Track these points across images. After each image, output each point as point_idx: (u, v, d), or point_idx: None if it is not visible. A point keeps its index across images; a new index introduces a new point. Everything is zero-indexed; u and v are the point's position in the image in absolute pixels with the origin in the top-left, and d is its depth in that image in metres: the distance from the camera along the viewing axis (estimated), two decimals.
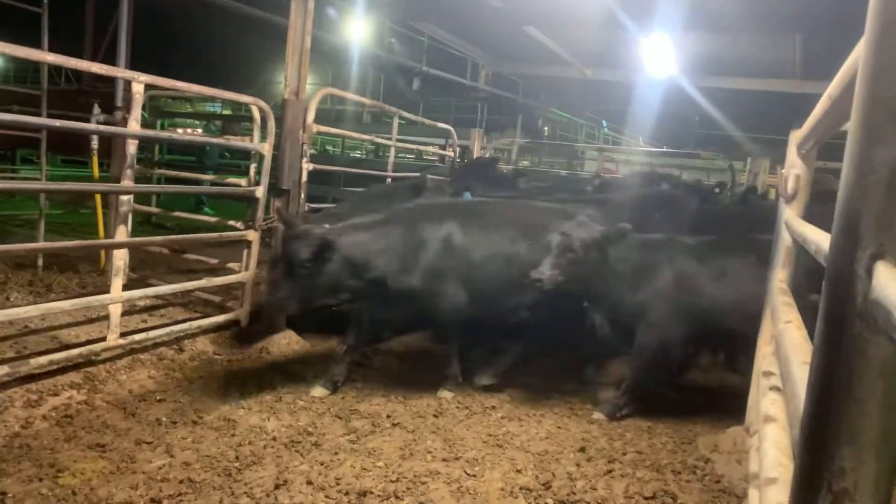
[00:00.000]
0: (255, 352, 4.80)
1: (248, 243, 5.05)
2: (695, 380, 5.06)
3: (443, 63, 15.03)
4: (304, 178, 5.36)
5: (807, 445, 1.04)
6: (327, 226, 3.97)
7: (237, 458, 3.18)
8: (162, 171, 8.74)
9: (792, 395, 1.46)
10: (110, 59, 7.00)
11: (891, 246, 0.92)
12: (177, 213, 6.77)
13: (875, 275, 0.92)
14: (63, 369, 3.83)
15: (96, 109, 6.02)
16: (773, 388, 2.62)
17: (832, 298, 1.01)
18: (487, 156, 9.32)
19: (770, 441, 2.16)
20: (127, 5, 8.07)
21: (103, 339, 4.15)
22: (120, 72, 4.69)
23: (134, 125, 4.07)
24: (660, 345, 3.98)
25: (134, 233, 4.88)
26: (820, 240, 1.74)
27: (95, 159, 6.14)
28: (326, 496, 2.87)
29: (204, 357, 4.54)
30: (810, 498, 1.00)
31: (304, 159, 5.33)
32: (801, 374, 1.40)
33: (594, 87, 17.30)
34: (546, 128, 21.57)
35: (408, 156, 15.67)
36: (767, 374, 2.87)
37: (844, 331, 0.96)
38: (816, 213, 3.02)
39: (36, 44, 5.95)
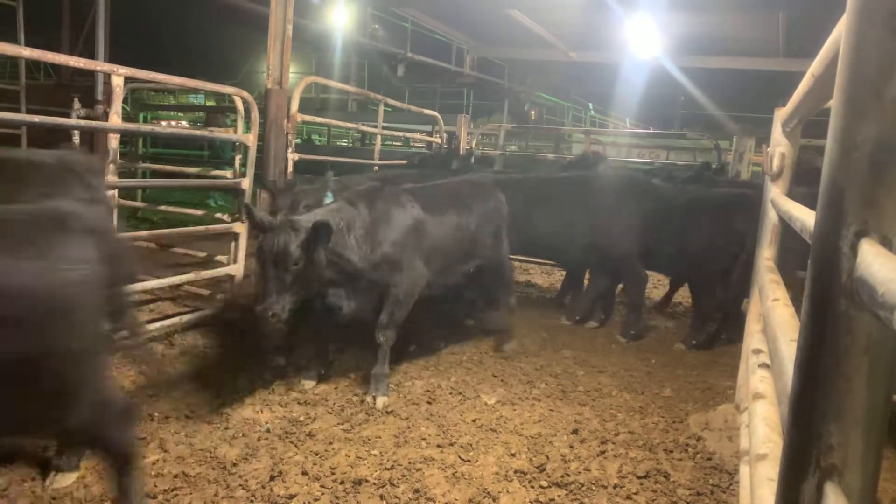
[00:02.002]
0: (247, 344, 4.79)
1: (236, 236, 5.02)
2: (685, 358, 5.12)
3: (427, 49, 14.91)
4: (290, 168, 5.32)
5: (795, 422, 1.05)
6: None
7: (231, 450, 3.18)
8: (146, 165, 8.66)
9: (780, 373, 1.48)
10: (89, 53, 6.89)
11: (875, 223, 0.93)
12: (163, 207, 6.71)
13: (859, 252, 0.92)
14: None
15: (76, 104, 5.95)
16: (762, 366, 2.65)
17: (818, 276, 1.02)
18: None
19: (759, 418, 2.18)
20: None
21: None
22: (99, 65, 4.64)
23: (115, 119, 4.03)
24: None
25: (120, 228, 4.84)
26: (805, 217, 1.75)
27: None
28: (322, 486, 2.88)
29: (195, 351, 4.52)
30: (799, 474, 1.01)
31: (290, 149, 5.29)
32: (788, 352, 1.41)
33: (580, 70, 17.25)
34: (533, 112, 21.51)
35: (395, 143, 15.61)
36: (756, 351, 2.90)
37: (830, 308, 0.97)
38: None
39: (12, 38, 5.84)
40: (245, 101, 5.04)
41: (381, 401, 3.86)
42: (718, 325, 5.51)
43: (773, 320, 1.93)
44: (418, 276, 4.09)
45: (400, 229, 3.97)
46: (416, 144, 13.43)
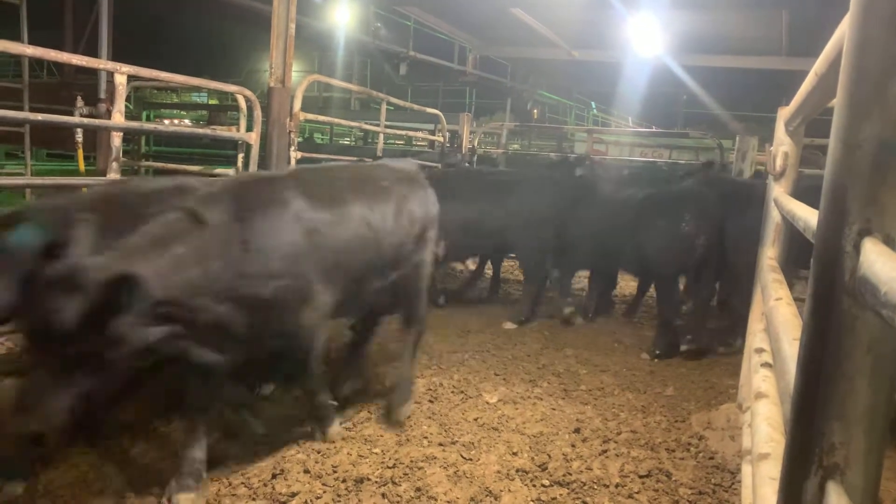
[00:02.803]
0: None
1: None
2: (687, 358, 5.11)
3: (430, 47, 14.90)
4: (293, 166, 5.33)
5: (797, 421, 1.05)
6: None
7: (233, 448, 3.18)
8: (149, 163, 8.67)
9: (782, 372, 1.47)
10: (92, 51, 6.90)
11: (878, 222, 0.93)
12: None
13: (862, 251, 0.92)
14: None
15: (79, 102, 5.95)
16: (765, 365, 2.65)
17: (820, 275, 1.01)
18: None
19: (762, 417, 2.18)
20: None
21: None
22: (102, 63, 4.64)
23: (118, 117, 4.03)
24: None
25: None
26: (808, 216, 1.74)
27: (81, 153, 6.07)
28: (323, 484, 2.89)
29: None
30: (802, 473, 1.01)
31: (292, 148, 5.30)
32: (791, 351, 1.41)
33: (582, 69, 17.23)
34: (535, 110, 21.50)
35: (397, 142, 15.62)
36: (759, 350, 2.90)
37: (833, 307, 0.96)
38: None
39: (15, 36, 5.85)
40: (248, 100, 5.05)
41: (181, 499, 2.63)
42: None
43: (776, 319, 1.92)
44: (321, 306, 2.91)
45: (282, 243, 2.73)
46: (419, 143, 13.44)
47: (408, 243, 3.47)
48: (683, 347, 5.07)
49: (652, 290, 6.30)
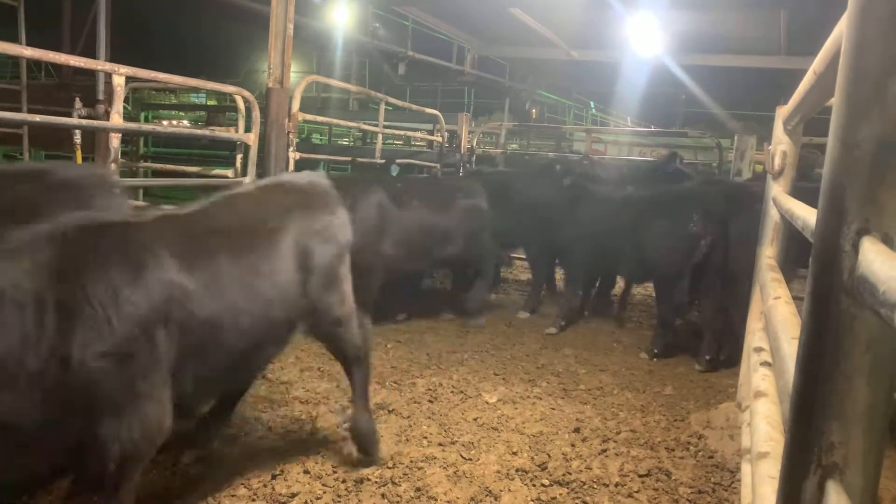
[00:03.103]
0: None
1: None
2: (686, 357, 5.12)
3: (428, 47, 14.89)
4: (292, 167, 5.33)
5: (796, 420, 1.05)
6: None
7: (233, 449, 3.18)
8: (147, 164, 8.66)
9: (781, 371, 1.48)
10: (90, 52, 6.90)
11: (876, 221, 0.93)
12: (164, 207, 6.71)
13: (861, 250, 0.92)
14: None
15: (78, 103, 5.94)
16: (764, 364, 2.65)
17: (819, 274, 1.02)
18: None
19: (761, 416, 2.18)
20: None
21: None
22: (100, 64, 4.63)
23: (116, 118, 4.02)
24: None
25: None
26: (806, 215, 1.75)
27: (79, 154, 6.06)
28: (323, 484, 2.89)
29: None
30: (801, 472, 1.01)
31: (291, 148, 5.29)
32: (790, 350, 1.41)
33: (581, 69, 17.22)
34: (534, 110, 21.49)
35: (396, 142, 15.62)
36: (758, 349, 2.90)
37: (831, 306, 0.97)
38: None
39: (13, 38, 5.85)
40: (246, 101, 5.04)
41: None
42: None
43: (775, 318, 1.93)
44: (158, 413, 2.10)
45: (128, 317, 1.96)
46: (417, 143, 13.44)
47: (305, 293, 2.69)
48: (699, 368, 4.83)
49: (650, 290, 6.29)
